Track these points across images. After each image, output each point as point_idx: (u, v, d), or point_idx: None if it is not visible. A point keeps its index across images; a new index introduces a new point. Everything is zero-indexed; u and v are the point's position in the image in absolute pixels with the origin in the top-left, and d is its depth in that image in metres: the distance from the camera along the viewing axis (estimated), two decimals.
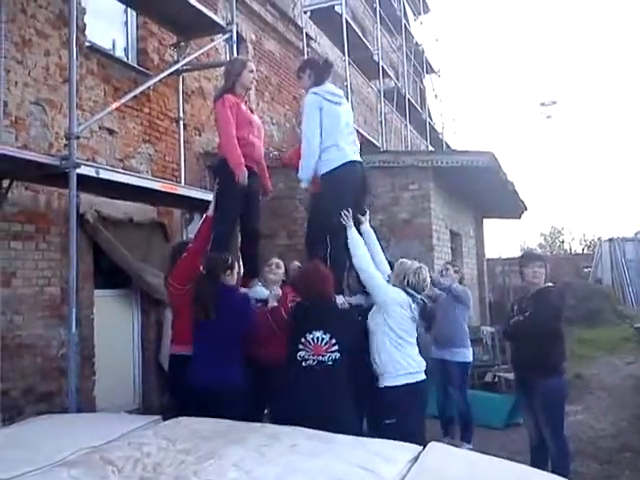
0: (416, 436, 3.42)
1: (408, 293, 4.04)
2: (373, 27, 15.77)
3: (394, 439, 2.69)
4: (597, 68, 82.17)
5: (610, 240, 22.70)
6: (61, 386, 5.76)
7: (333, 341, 3.77)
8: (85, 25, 6.57)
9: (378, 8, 15.05)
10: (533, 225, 67.58)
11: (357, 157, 4.49)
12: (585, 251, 33.70)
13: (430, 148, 18.28)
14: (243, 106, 4.74)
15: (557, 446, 4.37)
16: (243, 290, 4.46)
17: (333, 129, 4.38)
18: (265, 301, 4.37)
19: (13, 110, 5.70)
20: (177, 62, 7.38)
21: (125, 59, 7.50)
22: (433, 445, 2.61)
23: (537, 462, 4.43)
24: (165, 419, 2.94)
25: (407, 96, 16.39)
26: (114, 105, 6.17)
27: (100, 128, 6.66)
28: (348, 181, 4.40)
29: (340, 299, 4.17)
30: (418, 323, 4.11)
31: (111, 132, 6.86)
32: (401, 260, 4.29)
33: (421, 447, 2.50)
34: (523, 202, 11.90)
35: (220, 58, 8.76)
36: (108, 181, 5.48)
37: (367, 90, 16.01)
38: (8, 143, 5.40)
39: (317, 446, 2.42)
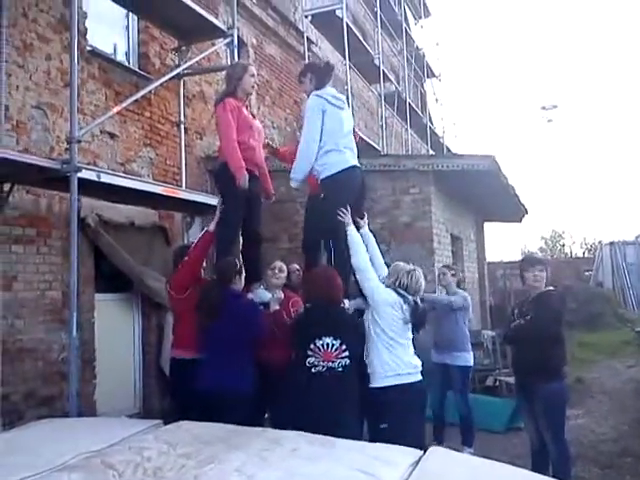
0: (412, 438, 3.42)
1: (399, 294, 4.04)
2: (374, 31, 15.80)
3: (389, 442, 2.68)
4: (598, 72, 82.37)
5: (611, 244, 22.68)
6: (62, 390, 5.76)
7: (343, 347, 3.75)
8: (86, 29, 6.59)
9: (379, 12, 15.08)
10: (534, 229, 67.65)
11: (357, 162, 4.50)
12: (586, 255, 33.64)
13: (431, 152, 18.29)
14: (244, 110, 4.74)
15: (558, 450, 4.37)
16: (250, 295, 4.45)
17: (335, 133, 4.38)
18: (267, 304, 4.36)
19: (14, 114, 5.71)
20: (178, 66, 7.39)
21: (126, 63, 7.52)
22: (434, 449, 2.61)
23: (538, 466, 4.42)
24: (166, 423, 2.94)
25: (408, 100, 16.41)
26: (115, 109, 6.19)
27: (101, 132, 6.68)
28: (349, 186, 4.40)
29: (346, 303, 4.16)
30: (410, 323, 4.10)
31: (112, 136, 6.87)
32: (396, 262, 4.29)
33: (422, 451, 2.50)
34: (524, 206, 11.90)
35: (221, 62, 8.79)
36: (109, 185, 5.49)
37: (368, 94, 16.03)
38: (9, 147, 5.41)
39: (318, 450, 2.42)
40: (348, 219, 4.24)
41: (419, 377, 4.04)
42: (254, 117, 5.01)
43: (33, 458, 2.44)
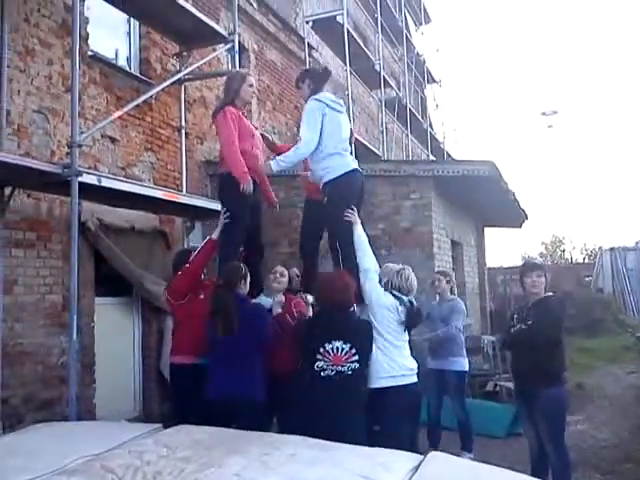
0: (405, 441, 3.41)
1: (395, 296, 4.05)
2: (374, 37, 15.86)
3: (382, 444, 2.68)
4: (598, 78, 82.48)
5: (611, 249, 22.69)
6: (61, 394, 5.75)
7: (353, 351, 3.74)
8: (88, 34, 6.62)
9: (379, 18, 15.14)
10: (534, 234, 67.55)
11: (357, 165, 4.50)
12: (586, 260, 33.63)
13: (431, 157, 18.32)
14: (244, 119, 4.74)
15: (558, 456, 4.36)
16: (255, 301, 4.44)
17: (335, 136, 4.38)
18: (269, 309, 4.35)
19: (16, 118, 5.73)
20: (179, 71, 7.41)
21: (128, 68, 7.55)
22: (434, 454, 2.60)
23: (538, 472, 4.40)
24: (165, 427, 2.93)
25: (408, 106, 16.45)
26: (116, 114, 6.21)
27: (102, 136, 6.69)
28: (352, 189, 4.40)
29: (355, 307, 4.15)
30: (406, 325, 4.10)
31: (113, 140, 6.89)
32: (385, 265, 4.29)
33: (422, 456, 2.49)
34: (524, 211, 11.91)
35: (222, 68, 8.82)
36: (110, 189, 5.49)
37: (368, 100, 16.07)
38: (11, 151, 5.43)
39: (317, 455, 2.42)
40: (355, 219, 4.24)
41: (414, 379, 4.04)
42: (255, 128, 5.00)
43: (32, 462, 2.43)
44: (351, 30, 12.70)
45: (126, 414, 6.82)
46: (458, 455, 5.15)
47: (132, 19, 7.57)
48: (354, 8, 14.92)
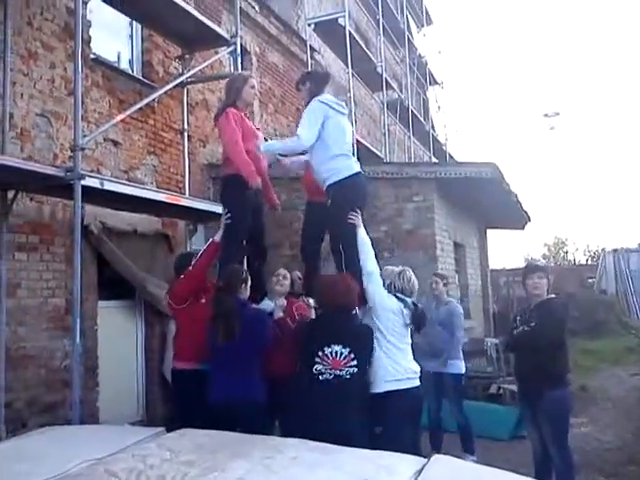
0: (407, 443, 3.40)
1: (398, 298, 4.04)
2: (376, 39, 15.88)
3: (384, 446, 2.67)
4: (600, 79, 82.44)
5: (614, 251, 22.71)
6: (65, 397, 5.76)
7: (352, 356, 3.72)
8: (90, 38, 6.63)
9: (381, 20, 15.16)
10: (537, 236, 67.52)
11: (360, 168, 4.48)
12: (589, 262, 33.63)
13: (433, 159, 18.34)
14: (247, 120, 4.73)
15: (562, 459, 4.35)
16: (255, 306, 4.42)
17: (340, 139, 4.35)
18: (270, 313, 4.34)
19: (19, 122, 5.75)
20: (182, 74, 7.41)
21: (130, 71, 7.56)
22: (437, 457, 2.60)
23: (542, 475, 4.40)
24: (169, 431, 2.93)
25: (410, 107, 16.46)
26: (119, 117, 6.21)
27: (105, 140, 6.71)
28: (356, 192, 4.37)
29: (358, 311, 4.13)
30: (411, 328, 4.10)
31: (116, 144, 6.90)
32: (385, 267, 4.28)
33: (425, 459, 2.49)
34: (527, 213, 11.90)
35: (224, 70, 8.83)
36: (113, 192, 5.50)
37: (370, 102, 16.08)
38: (14, 154, 5.44)
39: (319, 458, 2.41)
40: (359, 222, 4.23)
41: (417, 382, 4.03)
42: (258, 129, 5.00)
43: (36, 466, 2.43)
44: (353, 32, 12.72)
45: (129, 418, 6.82)
46: (461, 458, 5.16)
47: (134, 22, 7.58)
48: (356, 10, 14.94)
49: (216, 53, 7.88)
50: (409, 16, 19.18)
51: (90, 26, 6.61)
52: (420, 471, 2.32)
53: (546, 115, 27.95)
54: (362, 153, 11.17)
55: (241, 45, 7.72)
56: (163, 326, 7.18)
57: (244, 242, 4.56)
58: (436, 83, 20.80)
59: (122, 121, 6.58)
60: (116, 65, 7.33)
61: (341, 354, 3.72)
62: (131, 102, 6.88)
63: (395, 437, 3.65)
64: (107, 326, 6.61)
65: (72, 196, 5.04)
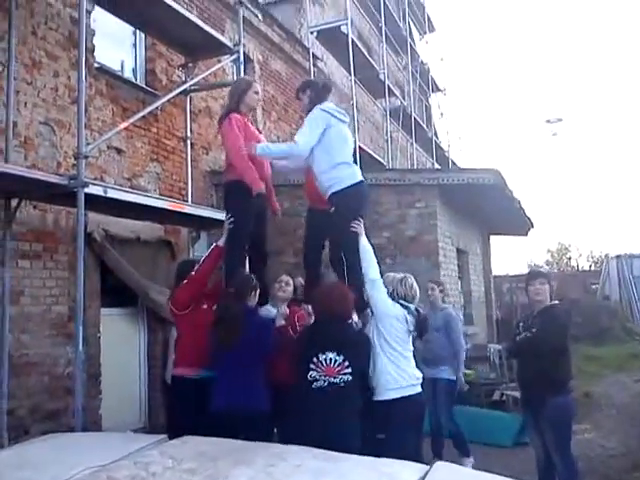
0: (410, 450, 3.39)
1: (402, 305, 4.05)
2: (379, 46, 15.92)
3: (386, 452, 2.67)
4: (603, 85, 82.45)
5: (617, 257, 22.60)
6: (67, 405, 5.76)
7: (346, 363, 3.72)
8: (94, 46, 6.67)
9: (384, 28, 15.21)
10: (540, 242, 67.44)
11: (362, 176, 4.49)
12: (592, 268, 33.56)
13: (436, 166, 18.35)
14: (250, 125, 4.74)
15: (565, 466, 4.33)
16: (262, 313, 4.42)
17: (343, 147, 4.36)
18: (273, 320, 4.34)
19: (22, 130, 5.78)
20: (185, 82, 7.45)
21: (133, 80, 7.60)
22: (439, 464, 2.60)
23: None
24: (171, 438, 2.93)
25: (413, 114, 16.49)
26: (122, 125, 6.24)
27: (108, 147, 6.74)
28: (359, 200, 4.37)
29: (355, 318, 4.12)
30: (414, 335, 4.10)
31: (119, 151, 6.93)
32: (386, 274, 4.28)
33: (427, 466, 2.48)
34: (530, 219, 11.90)
35: (227, 78, 8.87)
36: (116, 200, 5.51)
37: (373, 109, 16.11)
38: (17, 163, 5.47)
39: (323, 466, 2.41)
40: (361, 230, 4.23)
41: (419, 389, 4.04)
42: (260, 132, 5.00)
43: (38, 473, 2.44)
44: (355, 40, 12.76)
45: (132, 425, 6.82)
46: (459, 462, 5.15)
47: (138, 31, 7.63)
48: (358, 18, 14.99)
49: (219, 61, 7.91)
50: (411, 23, 19.23)
51: (94, 35, 6.65)
52: (422, 478, 2.32)
53: (548, 121, 27.88)
54: (365, 160, 11.18)
55: (244, 53, 7.76)
56: (166, 333, 7.17)
57: (246, 246, 4.57)
58: (438, 90, 20.82)
59: (125, 129, 6.60)
60: (119, 73, 7.38)
61: (335, 361, 3.72)
62: (134, 110, 6.91)
63: (399, 443, 3.65)
64: (110, 333, 6.62)
65: (75, 204, 5.04)
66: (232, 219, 4.42)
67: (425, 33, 20.51)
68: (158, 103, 6.87)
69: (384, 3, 15.25)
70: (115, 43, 7.41)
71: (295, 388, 3.83)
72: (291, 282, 4.66)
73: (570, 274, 28.75)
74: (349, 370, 3.73)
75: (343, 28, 12.31)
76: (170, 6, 6.32)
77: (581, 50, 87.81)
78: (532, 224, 12.62)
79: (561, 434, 4.36)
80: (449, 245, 8.98)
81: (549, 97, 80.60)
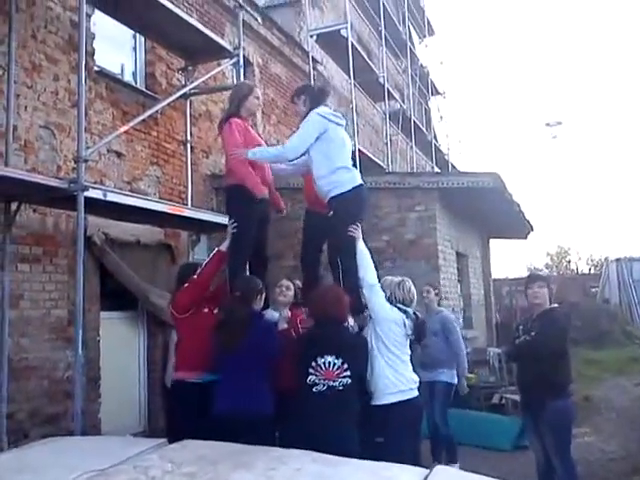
0: (408, 453, 3.38)
1: (400, 309, 4.05)
2: (378, 50, 15.96)
3: (386, 458, 2.66)
4: (602, 87, 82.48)
5: (617, 260, 22.60)
6: (67, 409, 5.75)
7: (345, 366, 3.72)
8: (94, 50, 6.67)
9: (383, 31, 15.24)
10: (540, 245, 67.34)
11: (362, 180, 4.49)
12: (592, 271, 33.49)
13: (436, 169, 18.38)
14: (251, 129, 4.73)
15: (564, 469, 4.33)
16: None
17: (342, 151, 4.35)
18: (275, 323, 4.34)
19: (22, 134, 5.78)
20: (185, 86, 7.46)
21: (133, 83, 7.61)
22: (439, 468, 2.59)
23: None
24: (170, 442, 2.93)
25: (412, 118, 16.52)
26: (122, 129, 6.24)
27: (108, 151, 6.74)
28: (359, 204, 4.38)
29: (351, 321, 4.13)
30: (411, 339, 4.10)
31: (119, 155, 6.93)
32: (384, 278, 4.27)
33: (427, 470, 2.48)
34: (529, 222, 11.91)
35: (227, 82, 8.88)
36: (116, 204, 5.52)
37: (372, 112, 16.13)
38: (17, 166, 5.47)
39: (323, 470, 2.41)
40: (359, 234, 4.23)
41: (417, 393, 4.04)
42: (260, 137, 5.00)
43: (38, 477, 2.43)
44: (355, 43, 12.79)
45: (131, 429, 6.81)
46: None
47: (138, 34, 7.64)
48: (358, 21, 15.02)
49: (219, 65, 7.92)
50: (411, 27, 19.28)
51: (94, 38, 6.66)
52: None
53: (548, 124, 27.93)
54: (364, 163, 11.19)
55: (244, 57, 7.77)
56: (165, 337, 7.17)
57: (250, 251, 4.56)
58: (438, 93, 20.87)
59: (125, 132, 6.61)
60: (119, 77, 7.39)
61: (334, 365, 3.72)
62: (134, 114, 6.92)
63: (397, 447, 3.65)
64: (109, 337, 6.61)
65: (75, 207, 5.05)
66: (235, 224, 4.42)
67: (425, 36, 20.57)
68: (158, 107, 6.88)
69: (384, 6, 15.30)
70: (115, 46, 7.42)
71: (295, 392, 3.82)
72: (291, 286, 4.65)
73: (570, 277, 28.72)
74: (348, 373, 3.73)
75: (343, 31, 12.35)
76: (170, 10, 6.33)
77: (580, 53, 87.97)
78: (532, 227, 12.63)
79: (561, 438, 4.36)
80: (449, 248, 8.98)
81: (549, 100, 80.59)
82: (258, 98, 4.78)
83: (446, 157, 20.27)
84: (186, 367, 4.22)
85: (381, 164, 13.82)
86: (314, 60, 12.13)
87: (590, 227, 67.94)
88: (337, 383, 3.71)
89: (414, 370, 4.14)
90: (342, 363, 3.73)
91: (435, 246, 8.21)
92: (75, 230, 5.24)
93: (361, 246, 4.21)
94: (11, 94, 5.53)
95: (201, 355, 4.06)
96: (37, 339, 5.78)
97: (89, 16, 6.27)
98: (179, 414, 4.20)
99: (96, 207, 5.48)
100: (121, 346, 7.01)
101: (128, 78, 7.63)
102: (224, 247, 4.43)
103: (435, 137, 20.03)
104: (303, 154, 4.39)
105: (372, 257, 4.29)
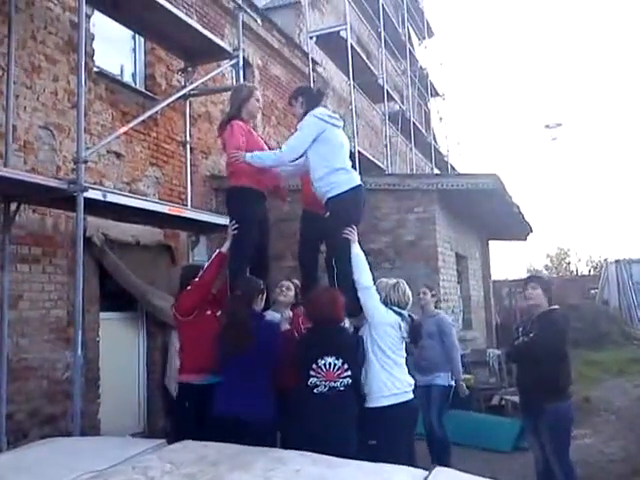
0: (402, 455, 3.37)
1: (395, 312, 4.04)
2: (378, 51, 15.97)
3: (380, 460, 2.66)
4: (602, 89, 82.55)
5: (617, 261, 22.59)
6: (66, 409, 5.75)
7: (345, 366, 3.73)
8: (94, 51, 6.68)
9: (383, 33, 15.25)
10: (539, 247, 67.38)
11: (360, 181, 4.49)
12: (592, 273, 33.47)
13: (435, 171, 18.38)
14: (254, 132, 4.72)
15: (563, 471, 4.33)
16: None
17: (339, 152, 4.36)
18: (277, 324, 4.32)
19: (22, 134, 5.78)
20: (184, 87, 7.46)
21: (133, 84, 7.61)
22: (439, 470, 2.59)
23: None
24: (170, 443, 2.92)
25: (412, 119, 16.53)
26: (122, 129, 6.25)
27: (108, 152, 6.74)
28: (356, 205, 4.37)
29: (347, 322, 4.14)
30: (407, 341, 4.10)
31: (118, 156, 6.93)
32: (379, 280, 4.26)
33: (426, 471, 2.48)
34: (529, 224, 11.91)
35: (227, 83, 8.89)
36: (115, 204, 5.52)
37: (372, 113, 16.14)
38: (17, 167, 5.47)
39: (322, 471, 2.41)
40: (354, 237, 4.22)
41: (412, 395, 4.04)
42: (262, 139, 4.99)
43: (37, 477, 2.43)
44: (354, 45, 12.80)
45: (130, 429, 6.80)
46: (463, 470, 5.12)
47: (137, 35, 7.64)
48: (357, 23, 15.04)
49: (218, 66, 7.92)
50: (410, 28, 19.28)
51: (93, 39, 6.66)
52: None
53: (548, 126, 27.92)
54: (364, 165, 11.20)
55: (243, 58, 7.78)
56: (165, 337, 7.17)
57: (251, 252, 4.56)
58: (437, 95, 20.89)
59: (125, 133, 6.61)
60: (119, 78, 7.38)
61: (335, 365, 3.72)
62: (134, 114, 6.92)
63: (391, 450, 3.64)
64: (109, 338, 6.61)
65: (75, 208, 5.05)
66: (236, 225, 4.42)
67: (424, 38, 20.59)
68: (158, 107, 6.88)
69: (383, 8, 15.30)
70: (114, 47, 7.42)
71: (296, 393, 3.82)
72: (292, 287, 4.65)
73: (569, 279, 28.75)
74: (349, 373, 3.74)
75: (342, 33, 12.36)
76: (169, 11, 6.34)
77: (580, 55, 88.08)
78: (531, 229, 12.63)
79: (560, 440, 4.35)
80: (448, 250, 8.98)
81: (548, 102, 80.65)
82: (258, 100, 4.78)
83: (445, 158, 20.28)
84: (190, 370, 4.22)
85: (380, 165, 13.82)
86: (314, 61, 12.14)
87: (590, 229, 68.01)
88: (338, 384, 3.72)
89: (410, 373, 4.14)
90: (342, 363, 3.73)
91: (435, 247, 8.21)
92: (74, 231, 5.24)
93: (356, 249, 4.20)
94: (10, 94, 5.53)
95: (205, 357, 4.06)
96: (36, 340, 5.77)
97: (88, 17, 6.28)
98: (185, 416, 4.19)
99: (95, 208, 5.48)
100: (120, 347, 7.00)
101: (127, 79, 7.63)
102: (225, 249, 4.43)
103: (434, 138, 20.04)
104: (301, 156, 4.40)
105: (370, 259, 4.29)
